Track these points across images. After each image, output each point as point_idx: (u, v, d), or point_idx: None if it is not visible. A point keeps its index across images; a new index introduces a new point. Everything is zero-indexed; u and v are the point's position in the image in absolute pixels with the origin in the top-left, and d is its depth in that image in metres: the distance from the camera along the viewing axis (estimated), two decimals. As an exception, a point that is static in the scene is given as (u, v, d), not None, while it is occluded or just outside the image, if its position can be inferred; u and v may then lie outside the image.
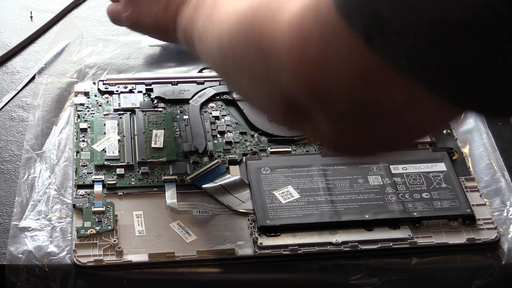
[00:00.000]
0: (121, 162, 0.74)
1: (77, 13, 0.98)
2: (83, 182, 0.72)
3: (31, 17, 0.96)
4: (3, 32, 0.93)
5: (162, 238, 0.68)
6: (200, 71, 0.88)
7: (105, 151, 0.75)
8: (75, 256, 0.65)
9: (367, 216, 0.70)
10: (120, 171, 0.73)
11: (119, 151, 0.75)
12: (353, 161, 0.73)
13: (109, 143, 0.76)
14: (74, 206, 0.70)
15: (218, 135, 0.78)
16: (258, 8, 0.47)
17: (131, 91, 0.83)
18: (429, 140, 0.79)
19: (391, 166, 0.75)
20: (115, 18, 0.77)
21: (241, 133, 0.79)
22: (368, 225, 0.69)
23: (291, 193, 0.71)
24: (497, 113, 0.39)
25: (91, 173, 0.73)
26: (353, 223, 0.69)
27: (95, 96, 0.82)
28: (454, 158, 0.77)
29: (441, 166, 0.75)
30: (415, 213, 0.70)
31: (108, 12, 0.79)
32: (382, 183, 0.73)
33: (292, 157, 0.76)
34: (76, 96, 0.82)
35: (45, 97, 0.82)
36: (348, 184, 0.72)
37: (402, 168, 0.75)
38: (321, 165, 0.74)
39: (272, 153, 0.77)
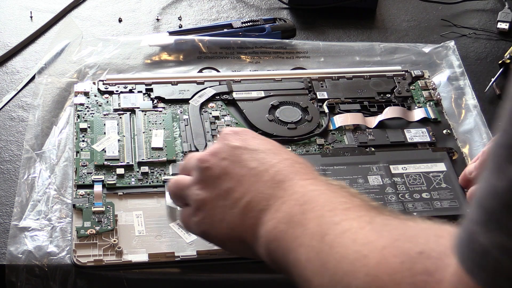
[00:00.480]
0: (121, 162, 0.74)
1: (77, 13, 0.98)
2: (83, 182, 0.72)
3: (31, 17, 0.96)
4: (3, 32, 0.93)
5: (162, 238, 0.68)
6: (200, 71, 0.88)
7: (105, 151, 0.75)
8: (75, 256, 0.65)
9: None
10: (120, 171, 0.73)
11: (119, 151, 0.75)
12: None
13: (109, 143, 0.76)
14: (74, 206, 0.70)
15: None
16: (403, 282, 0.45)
17: (131, 91, 0.83)
18: (429, 140, 0.79)
19: (391, 166, 0.75)
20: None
21: (241, 133, 0.79)
22: (368, 225, 0.69)
23: (291, 193, 0.71)
24: None
25: (91, 173, 0.73)
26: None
27: (95, 96, 0.82)
28: (454, 158, 0.77)
29: (441, 166, 0.75)
30: (415, 213, 0.70)
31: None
32: (382, 183, 0.73)
33: (292, 157, 0.76)
34: (76, 96, 0.82)
35: (45, 97, 0.82)
36: (348, 184, 0.72)
37: (402, 168, 0.75)
38: (321, 165, 0.74)
39: (272, 153, 0.77)
